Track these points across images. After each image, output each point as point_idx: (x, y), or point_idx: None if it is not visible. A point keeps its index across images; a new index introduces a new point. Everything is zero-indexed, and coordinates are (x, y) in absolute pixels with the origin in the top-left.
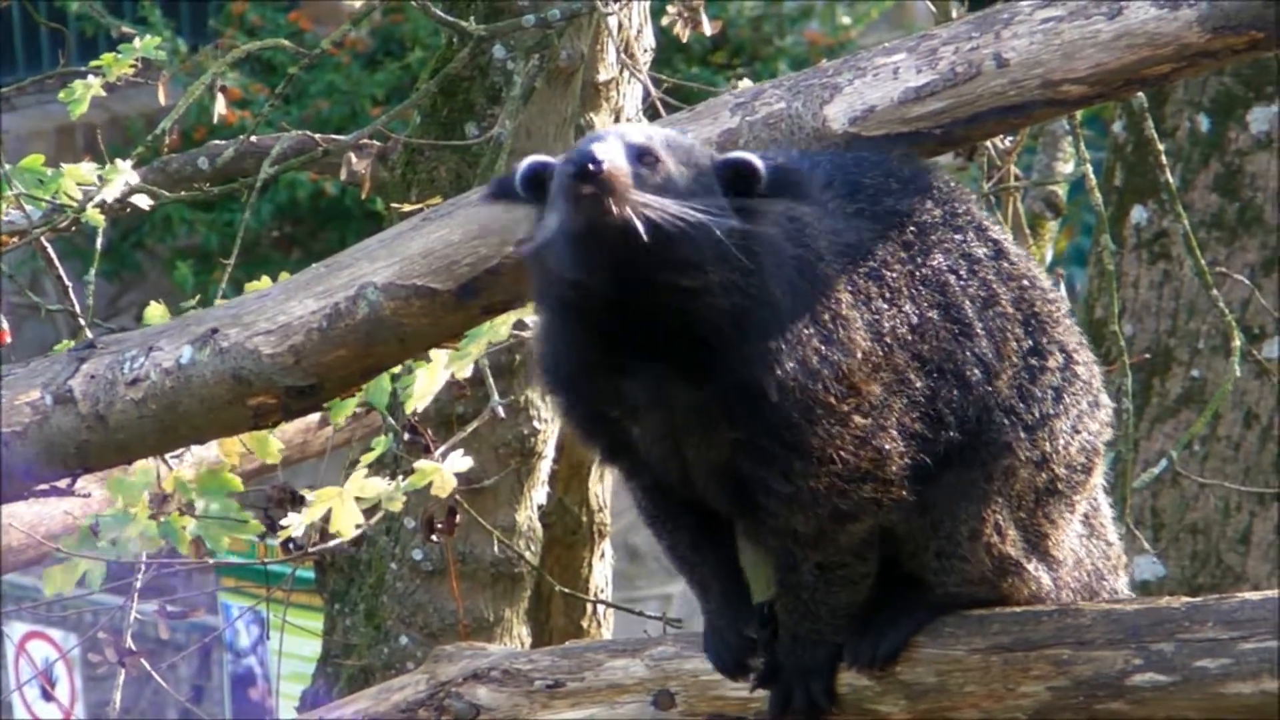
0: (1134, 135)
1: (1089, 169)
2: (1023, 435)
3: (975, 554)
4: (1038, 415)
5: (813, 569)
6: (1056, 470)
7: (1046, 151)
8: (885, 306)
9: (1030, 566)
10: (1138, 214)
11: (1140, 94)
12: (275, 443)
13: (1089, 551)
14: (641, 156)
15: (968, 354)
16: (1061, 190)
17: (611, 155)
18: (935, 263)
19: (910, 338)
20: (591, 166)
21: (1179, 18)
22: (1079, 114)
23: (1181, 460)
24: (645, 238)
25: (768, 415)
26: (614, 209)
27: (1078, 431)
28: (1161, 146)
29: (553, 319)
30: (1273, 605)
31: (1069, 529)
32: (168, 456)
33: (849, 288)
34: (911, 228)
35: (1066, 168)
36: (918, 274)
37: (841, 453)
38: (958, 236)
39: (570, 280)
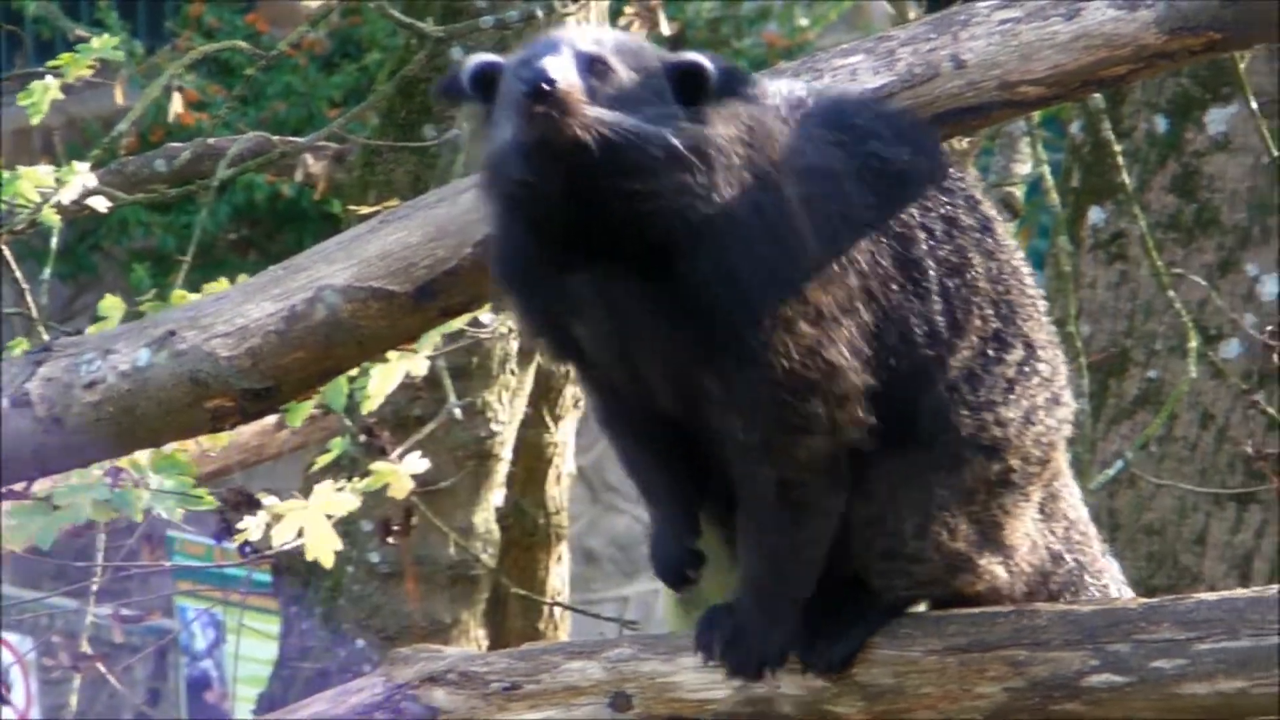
0: (1091, 136)
1: (1046, 170)
2: (965, 416)
3: (923, 552)
4: (982, 400)
5: (773, 488)
6: (1010, 461)
7: (1004, 153)
8: (841, 231)
9: (983, 561)
10: (1095, 215)
11: (1098, 95)
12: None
13: (1044, 534)
14: (592, 66)
15: (917, 313)
16: (1019, 191)
17: (564, 72)
18: (908, 215)
19: (864, 269)
20: (545, 85)
21: (1137, 19)
22: (1036, 115)
23: (1138, 461)
24: (597, 152)
25: (708, 316)
26: (567, 126)
27: (1031, 424)
28: (1119, 147)
29: (502, 214)
30: (1229, 606)
31: (1025, 518)
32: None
33: (803, 200)
34: (893, 176)
35: (1024, 169)
36: (886, 219)
37: (785, 360)
38: (944, 198)
39: (519, 180)
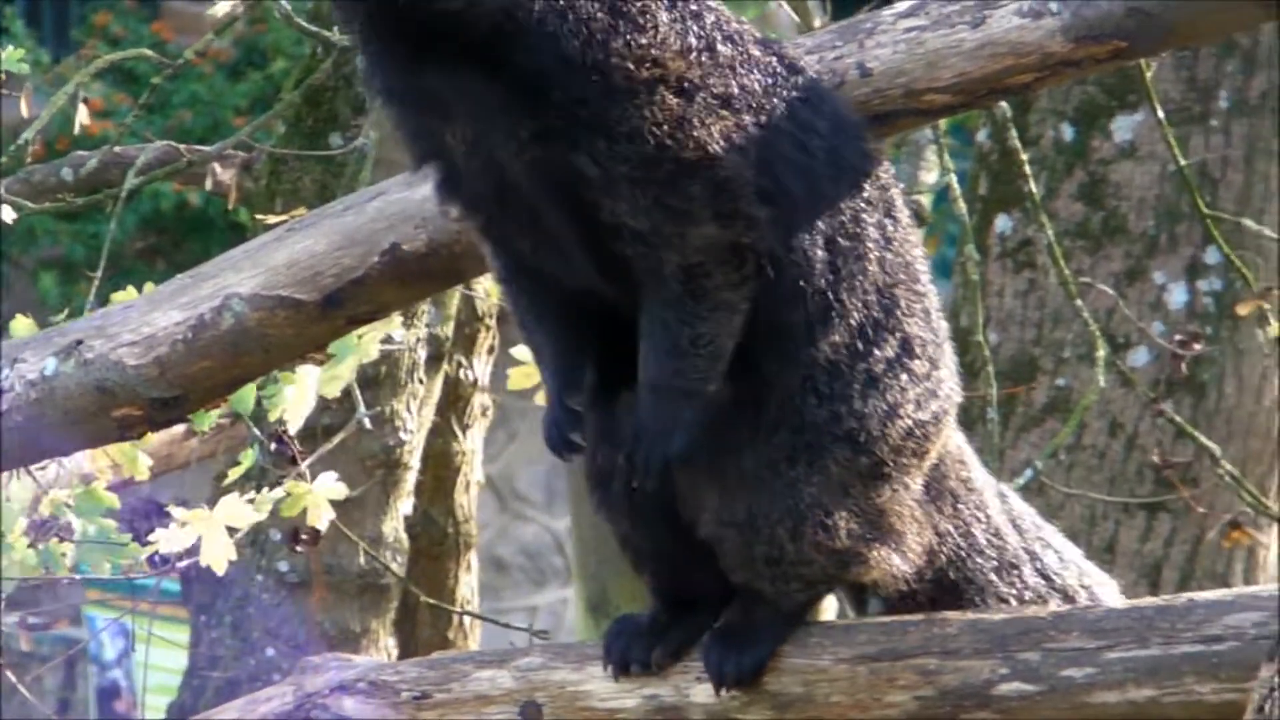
0: (998, 144)
1: (953, 178)
2: (814, 406)
3: (804, 554)
4: (836, 393)
5: (678, 273)
6: (878, 454)
7: (910, 161)
8: (721, 44)
9: (872, 552)
10: (1002, 223)
11: (1004, 103)
12: (144, 459)
13: (930, 514)
14: None
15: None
16: (926, 200)
17: None
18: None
19: (756, 100)
20: None
21: (1042, 27)
22: (943, 123)
23: (1047, 470)
24: None
25: (564, 96)
26: None
27: (896, 418)
28: (1025, 156)
29: (356, 31)
30: (1138, 614)
31: (907, 503)
32: (34, 469)
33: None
34: (811, 89)
35: (931, 177)
36: (786, 99)
37: (653, 130)
38: (856, 160)
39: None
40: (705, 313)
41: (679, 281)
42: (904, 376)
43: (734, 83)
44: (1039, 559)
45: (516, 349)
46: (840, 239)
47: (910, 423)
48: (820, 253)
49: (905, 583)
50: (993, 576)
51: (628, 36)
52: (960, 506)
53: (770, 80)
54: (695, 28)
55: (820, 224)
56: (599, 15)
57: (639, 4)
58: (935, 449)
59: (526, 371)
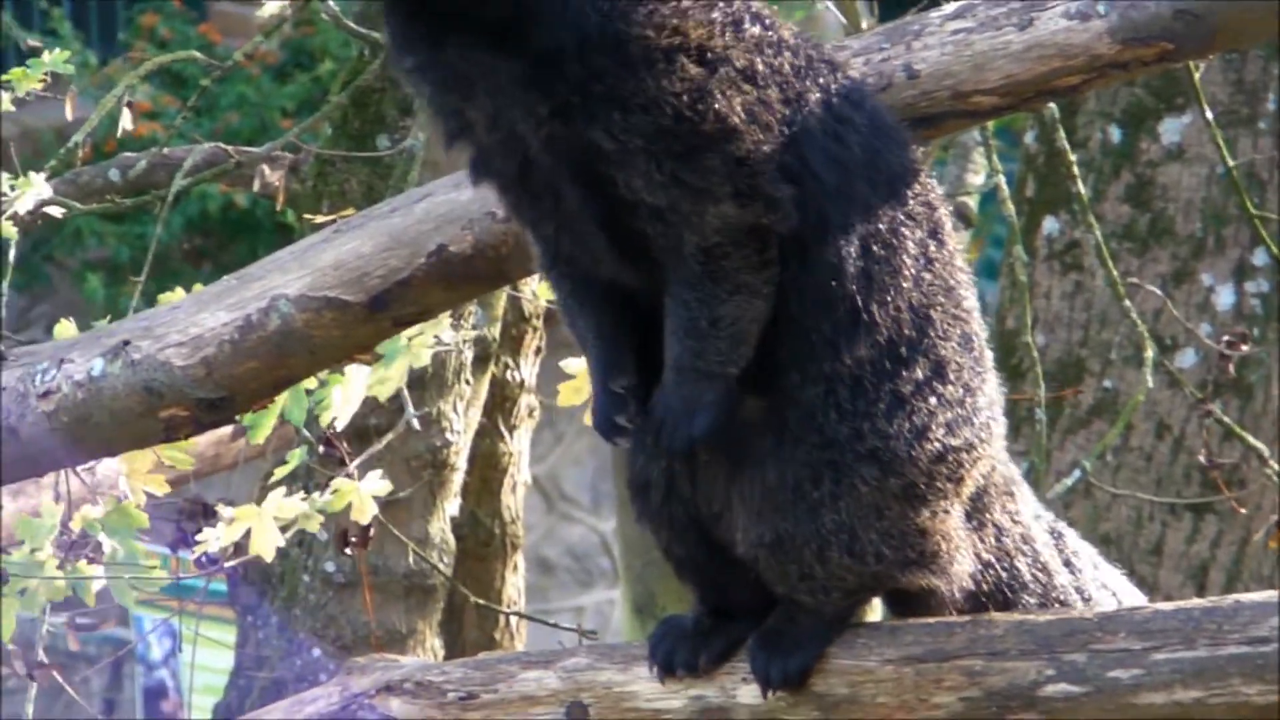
0: (1046, 146)
1: (1001, 180)
2: (835, 420)
3: (835, 574)
4: (859, 410)
5: (697, 255)
6: (910, 477)
7: (957, 163)
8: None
9: (910, 574)
10: (1050, 225)
11: (1052, 105)
12: (186, 458)
13: (973, 542)
14: None
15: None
16: (973, 202)
17: None
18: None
19: (787, 79)
20: None
21: (1089, 29)
22: (990, 125)
23: (1094, 471)
24: None
25: (581, 70)
26: None
27: (925, 441)
28: (1073, 157)
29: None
30: (1185, 616)
31: (950, 525)
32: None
33: None
34: (852, 94)
35: (977, 179)
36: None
37: (670, 100)
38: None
39: None
40: (725, 295)
41: (698, 262)
42: (933, 400)
43: (759, 60)
44: (1090, 599)
45: (565, 362)
46: (875, 246)
47: (941, 446)
48: (853, 256)
49: (948, 607)
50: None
51: (650, 6)
52: (1005, 540)
53: (804, 65)
54: (721, 3)
55: (855, 224)
56: None
57: None
58: (973, 477)
59: (575, 386)
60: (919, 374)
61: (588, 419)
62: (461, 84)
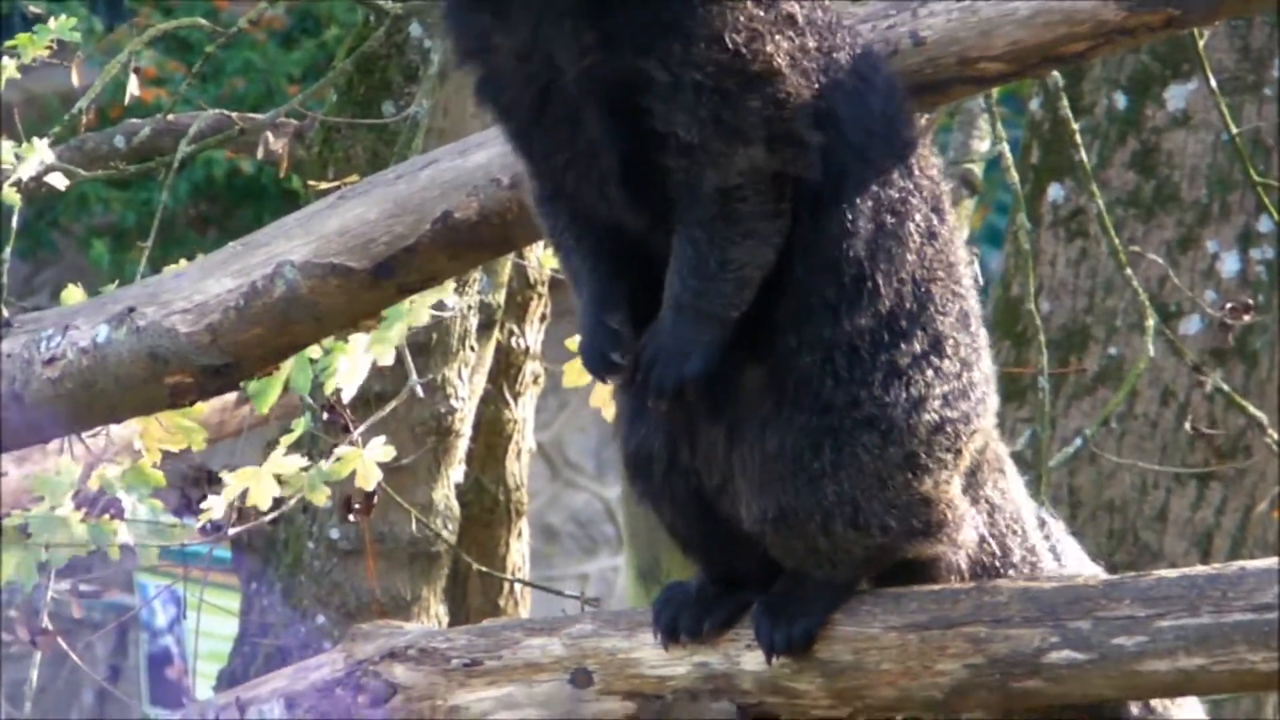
0: (1050, 113)
1: (1005, 147)
2: (831, 386)
3: (841, 550)
4: (855, 377)
5: (713, 192)
6: (910, 447)
7: (963, 130)
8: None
9: (915, 543)
10: (1054, 192)
11: (1057, 72)
12: (201, 431)
13: (971, 515)
14: None
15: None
16: (978, 169)
17: None
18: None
19: (814, 50)
20: None
21: None
22: (995, 92)
23: (1098, 438)
24: None
25: None
26: None
27: (922, 410)
28: (1078, 125)
29: None
30: (1189, 583)
31: (953, 494)
32: (85, 436)
33: None
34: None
35: (983, 145)
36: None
37: (732, 36)
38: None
39: None
40: (737, 238)
41: (716, 202)
42: (930, 373)
43: (799, 8)
44: None
45: (571, 340)
46: (885, 214)
47: (938, 418)
48: (865, 219)
49: (953, 576)
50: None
51: None
52: (996, 517)
53: (833, 21)
54: None
55: (870, 186)
56: None
57: None
58: (969, 449)
59: (579, 367)
60: (917, 347)
61: (592, 399)
62: (496, 4)
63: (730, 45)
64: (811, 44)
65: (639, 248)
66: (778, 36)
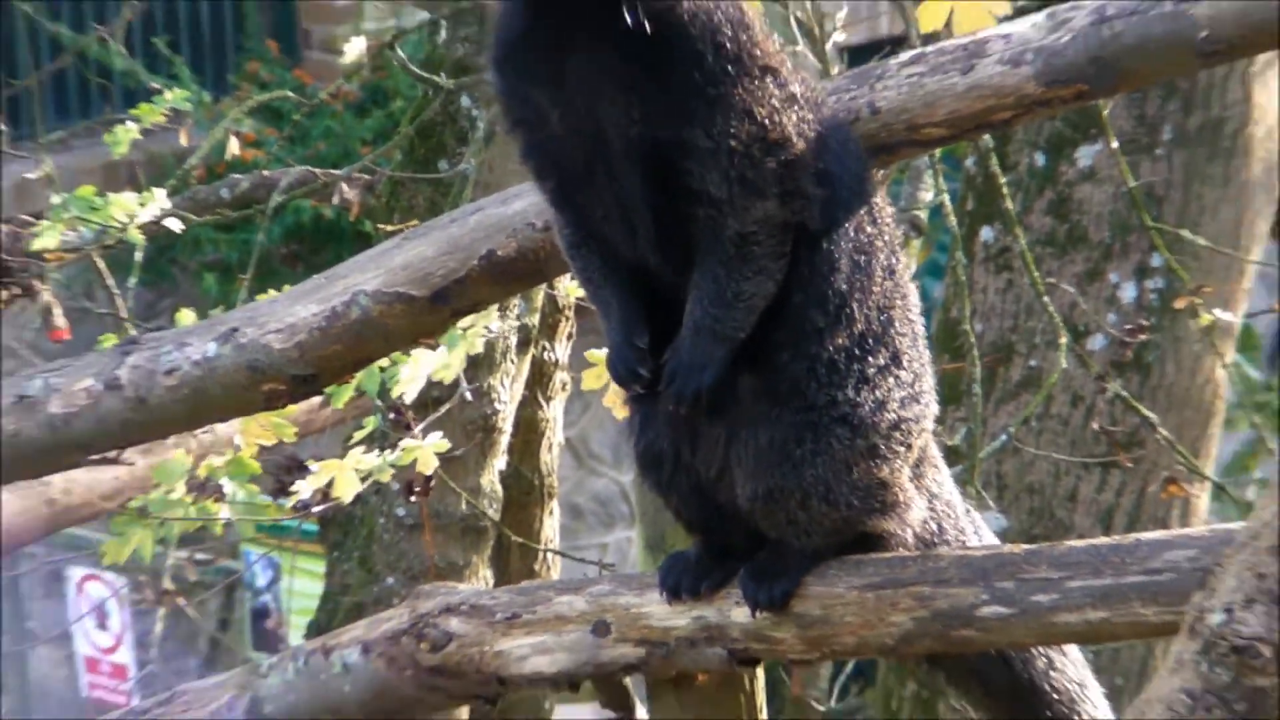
0: (982, 169)
1: (945, 197)
2: (815, 389)
3: (815, 522)
4: (835, 381)
5: (734, 236)
6: (874, 440)
7: (911, 182)
8: (798, 84)
9: (874, 519)
10: (986, 233)
11: (987, 136)
12: (290, 427)
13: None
14: None
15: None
16: (923, 214)
17: None
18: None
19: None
20: None
21: (1019, 73)
22: (938, 151)
23: (1021, 434)
24: None
25: (703, 78)
26: None
27: (885, 411)
28: (1005, 178)
29: (513, 11)
30: (1094, 551)
31: (903, 478)
32: (196, 433)
33: (758, 26)
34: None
35: (927, 195)
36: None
37: (759, 109)
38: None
39: None
40: (750, 274)
41: (735, 245)
42: (891, 380)
43: (797, 86)
44: None
45: (591, 352)
46: (859, 255)
47: (896, 416)
48: (846, 260)
49: (903, 546)
50: None
51: (750, 32)
52: (935, 503)
53: (819, 96)
54: (782, 54)
55: (849, 233)
56: (732, 17)
57: (747, 16)
58: (918, 444)
59: (597, 374)
60: (880, 360)
61: (606, 400)
62: (554, 79)
63: (757, 118)
64: (810, 116)
65: (654, 282)
66: (788, 111)
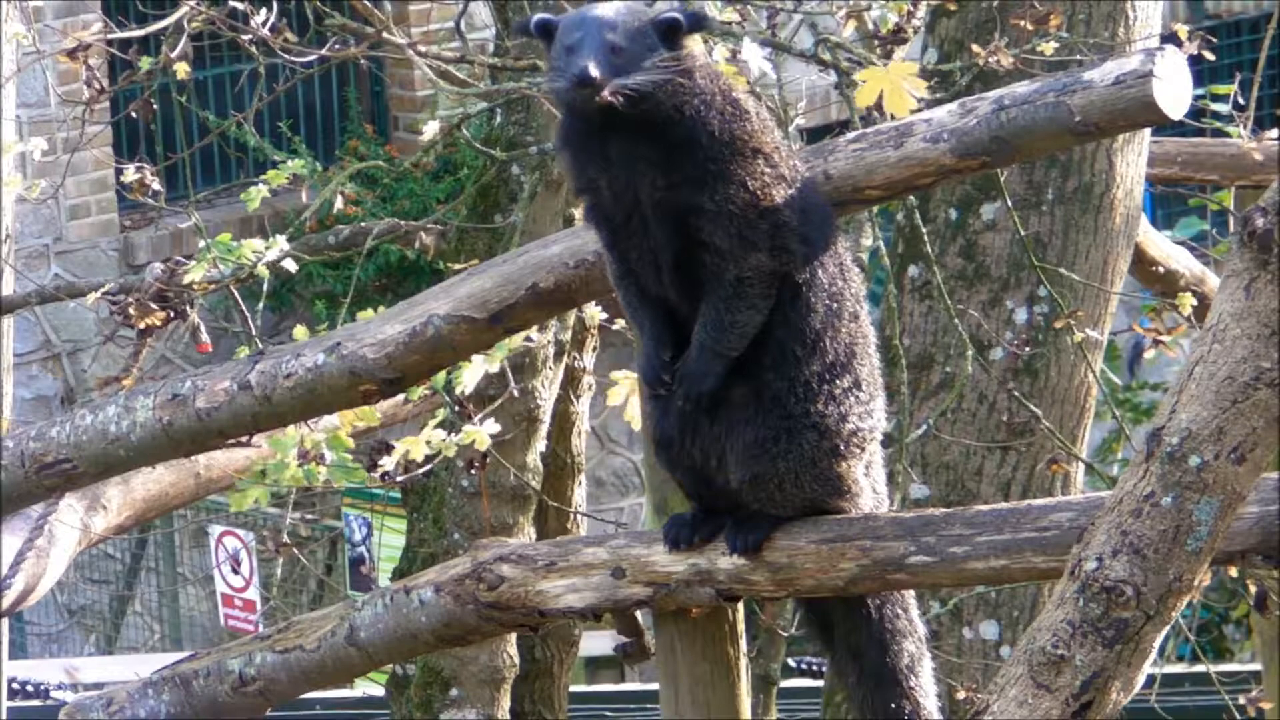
0: (909, 221)
1: (880, 243)
2: (793, 403)
3: (788, 499)
4: (808, 397)
5: (733, 279)
6: (836, 443)
7: (854, 231)
8: (786, 165)
9: (833, 502)
10: (912, 270)
11: (913, 196)
12: (374, 413)
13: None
14: (611, 50)
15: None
16: (864, 256)
17: (595, 66)
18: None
19: (785, 173)
20: (584, 79)
21: (938, 149)
22: (875, 208)
23: (939, 424)
24: (619, 103)
25: (705, 156)
26: (600, 99)
27: (846, 421)
28: (926, 229)
29: (563, 112)
30: (996, 514)
31: (857, 472)
32: (310, 422)
33: (755, 112)
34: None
35: (867, 241)
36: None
37: (752, 182)
38: (836, 258)
39: (572, 107)
40: (744, 309)
41: (732, 286)
42: (852, 399)
43: (785, 164)
44: None
45: (615, 373)
46: (831, 301)
47: (854, 426)
48: (820, 302)
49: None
50: None
51: (745, 122)
52: (877, 493)
53: (802, 172)
54: (775, 136)
55: (823, 279)
56: (726, 109)
57: (742, 103)
58: (869, 449)
59: (618, 391)
60: (845, 383)
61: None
62: (603, 160)
63: (753, 187)
64: (794, 192)
65: (674, 310)
66: (777, 186)
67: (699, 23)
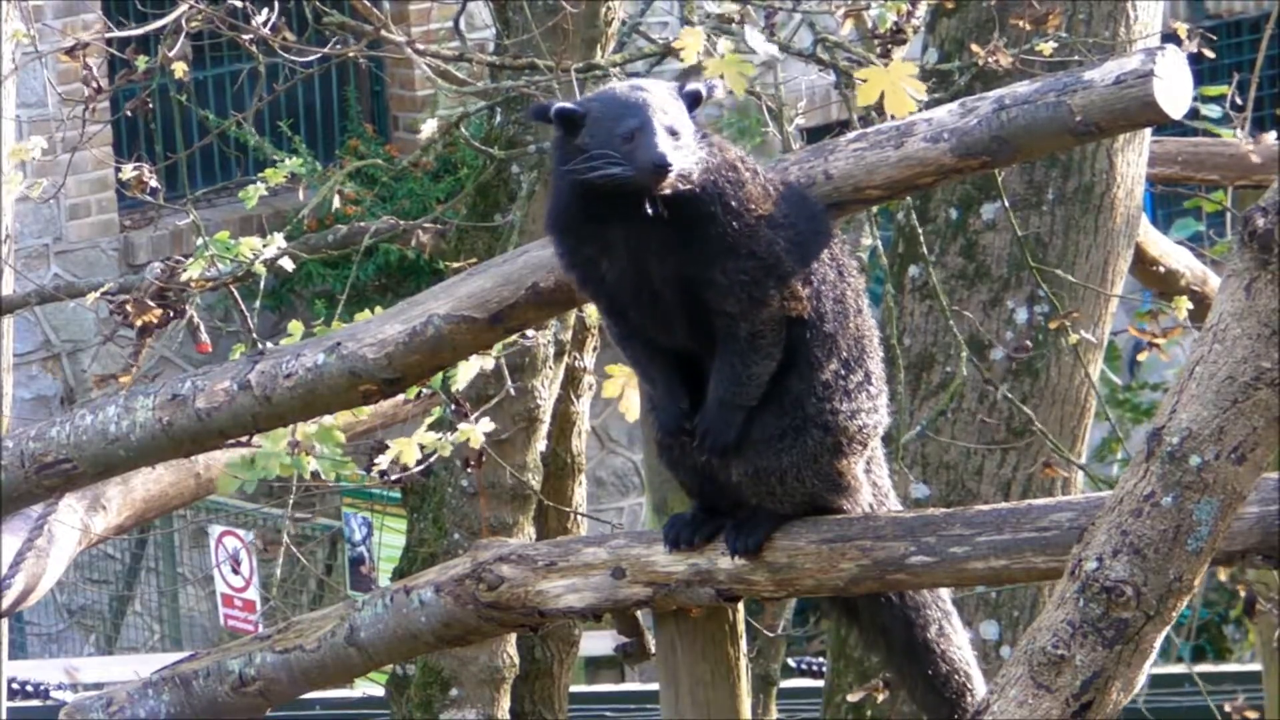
0: (909, 221)
1: (879, 243)
2: (812, 403)
3: (788, 494)
4: (825, 396)
5: (746, 335)
6: (840, 439)
7: (854, 231)
8: (776, 197)
9: (831, 498)
10: (912, 270)
11: (912, 195)
12: (365, 410)
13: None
14: (672, 132)
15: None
16: (865, 255)
17: (671, 155)
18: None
19: (791, 228)
20: (664, 167)
21: (938, 148)
22: (875, 208)
23: (939, 423)
24: (680, 185)
25: (715, 231)
26: (670, 183)
27: (856, 418)
28: (926, 228)
29: (567, 190)
30: (996, 514)
31: (857, 470)
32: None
33: (748, 168)
34: (802, 198)
35: (867, 241)
36: (802, 225)
37: (758, 250)
38: (836, 260)
39: (608, 185)
40: (759, 360)
41: (746, 341)
42: (863, 395)
43: (781, 213)
44: None
45: (611, 366)
46: (837, 305)
47: (861, 423)
48: (829, 308)
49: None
50: None
51: (744, 190)
52: (878, 491)
53: (777, 185)
54: (760, 178)
55: (828, 290)
56: (731, 180)
57: (738, 167)
58: (872, 444)
59: (614, 384)
60: (857, 379)
61: (622, 407)
62: (600, 241)
63: (760, 256)
64: (793, 233)
65: (685, 360)
66: (778, 238)
67: (711, 91)
